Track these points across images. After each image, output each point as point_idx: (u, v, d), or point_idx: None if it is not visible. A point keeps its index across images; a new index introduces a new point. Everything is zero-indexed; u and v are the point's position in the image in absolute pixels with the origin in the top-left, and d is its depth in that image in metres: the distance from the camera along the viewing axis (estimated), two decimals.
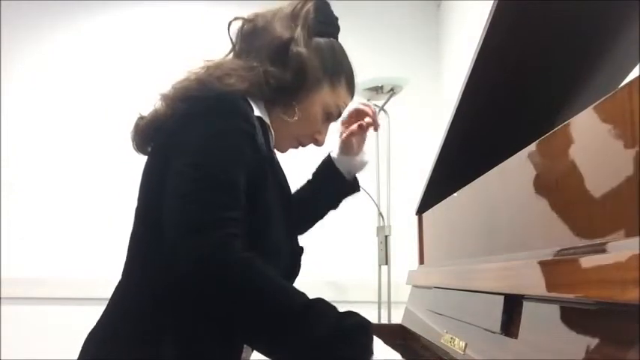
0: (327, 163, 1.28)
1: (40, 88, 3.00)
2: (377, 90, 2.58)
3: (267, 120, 0.98)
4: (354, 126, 1.22)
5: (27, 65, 3.02)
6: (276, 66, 0.95)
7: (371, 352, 0.75)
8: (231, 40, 1.02)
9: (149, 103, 0.98)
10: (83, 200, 2.87)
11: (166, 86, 0.95)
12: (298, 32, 0.97)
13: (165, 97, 0.94)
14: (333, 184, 1.27)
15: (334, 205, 1.27)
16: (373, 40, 2.96)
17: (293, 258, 1.04)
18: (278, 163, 1.09)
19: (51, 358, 2.40)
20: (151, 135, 0.96)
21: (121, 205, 2.86)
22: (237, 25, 1.01)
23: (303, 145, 1.09)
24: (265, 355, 0.81)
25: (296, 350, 0.76)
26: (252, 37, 0.99)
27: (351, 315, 0.78)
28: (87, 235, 2.82)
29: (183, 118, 0.89)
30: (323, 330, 0.75)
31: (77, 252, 2.80)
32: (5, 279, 2.76)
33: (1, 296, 2.75)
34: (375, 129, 1.25)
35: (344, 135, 1.25)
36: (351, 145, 1.25)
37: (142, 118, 0.98)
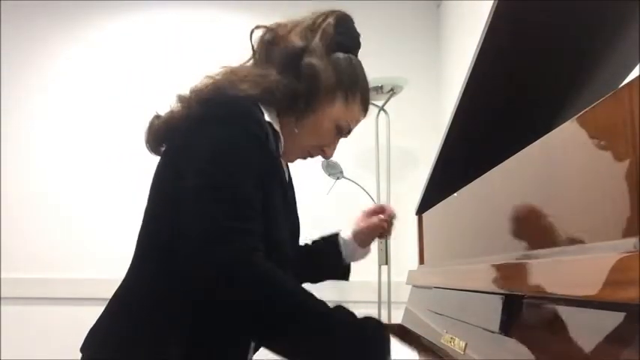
0: (333, 242, 1.30)
1: (41, 90, 3.00)
2: (377, 90, 2.58)
3: (277, 127, 0.98)
4: (376, 221, 1.26)
5: (30, 66, 3.02)
6: (289, 75, 0.96)
7: (389, 354, 0.77)
8: (252, 47, 1.03)
9: (157, 106, 0.99)
10: (83, 200, 2.87)
11: (179, 90, 0.96)
12: (315, 43, 0.98)
13: (181, 99, 0.95)
14: (329, 263, 1.29)
15: (314, 280, 1.26)
16: (373, 40, 2.94)
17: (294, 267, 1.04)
18: (289, 171, 1.10)
19: (51, 358, 2.41)
20: (165, 135, 0.97)
21: (122, 205, 2.87)
22: (258, 34, 1.02)
23: (312, 157, 1.10)
24: (287, 357, 0.82)
25: (319, 356, 0.77)
26: (271, 45, 1.00)
27: (369, 319, 0.80)
28: (87, 235, 2.82)
29: (197, 121, 0.90)
30: (346, 338, 0.77)
31: (77, 252, 2.80)
32: (5, 279, 2.76)
33: (1, 296, 2.75)
34: (382, 236, 1.24)
35: (363, 226, 1.26)
36: (365, 236, 1.29)
37: (157, 117, 0.99)
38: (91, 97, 2.96)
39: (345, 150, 3.21)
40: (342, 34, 1.03)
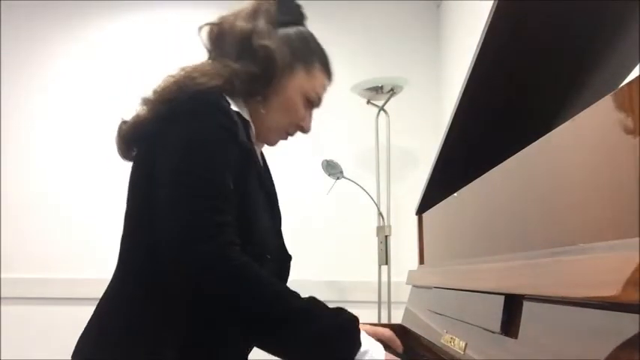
0: None
1: (41, 90, 3.00)
2: (377, 90, 2.59)
3: (246, 116, 0.98)
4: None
5: (30, 66, 3.02)
6: (244, 61, 0.97)
7: (358, 345, 0.81)
8: (205, 45, 1.04)
9: (124, 111, 0.99)
10: (83, 200, 2.87)
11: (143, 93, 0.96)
12: (261, 24, 0.99)
13: (146, 101, 0.95)
14: None
15: None
16: (373, 40, 2.96)
17: (281, 261, 1.05)
18: (264, 161, 1.10)
19: (51, 358, 2.41)
20: (134, 140, 0.98)
21: (122, 205, 2.87)
22: (206, 31, 1.03)
23: (291, 134, 1.10)
24: (265, 349, 0.85)
25: (296, 346, 0.81)
26: (221, 38, 1.01)
27: (342, 311, 0.85)
28: (87, 235, 2.82)
29: (164, 121, 0.90)
30: (320, 327, 0.81)
31: (77, 252, 2.80)
32: (5, 279, 2.76)
33: (1, 296, 2.75)
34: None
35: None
36: None
37: (124, 122, 0.99)
38: (91, 97, 2.96)
39: (345, 150, 3.23)
40: (285, 11, 1.04)
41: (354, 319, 0.84)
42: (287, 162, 2.49)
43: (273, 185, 1.10)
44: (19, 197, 2.87)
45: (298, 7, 1.08)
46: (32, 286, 2.77)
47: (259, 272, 0.83)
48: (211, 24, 1.03)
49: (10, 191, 2.88)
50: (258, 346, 0.86)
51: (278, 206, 1.10)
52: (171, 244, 0.81)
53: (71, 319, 2.54)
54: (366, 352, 0.81)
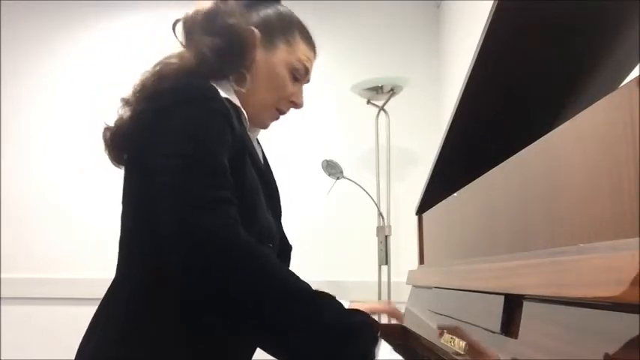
0: None
1: (41, 90, 3.00)
2: (377, 90, 2.59)
3: (236, 101, 0.96)
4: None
5: (30, 66, 3.02)
6: (210, 37, 0.95)
7: (372, 349, 0.75)
8: (181, 42, 1.01)
9: (107, 116, 0.97)
10: (83, 200, 2.87)
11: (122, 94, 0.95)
12: (227, 5, 0.98)
13: (127, 102, 0.94)
14: None
15: None
16: (373, 40, 2.96)
17: (282, 251, 1.04)
18: (262, 151, 1.09)
19: (51, 358, 2.41)
20: (122, 144, 0.95)
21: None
22: (180, 28, 1.02)
23: (283, 112, 1.08)
24: (269, 346, 0.79)
25: (301, 338, 0.74)
26: (190, 28, 1.00)
27: (356, 313, 0.78)
28: (87, 235, 2.82)
29: (154, 115, 0.88)
30: (329, 318, 0.74)
31: (77, 252, 2.80)
32: (5, 279, 2.76)
33: (1, 296, 2.75)
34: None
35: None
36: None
37: (108, 128, 0.97)
38: (91, 97, 2.96)
39: (345, 150, 3.23)
40: None
41: (370, 323, 0.77)
42: (287, 162, 2.50)
43: (271, 174, 1.09)
44: (19, 197, 2.87)
45: None
46: (32, 286, 2.77)
47: (265, 251, 0.79)
48: (184, 19, 1.01)
49: (10, 191, 2.88)
50: (257, 335, 0.79)
51: (278, 195, 1.08)
52: (169, 226, 0.77)
53: (71, 319, 2.56)
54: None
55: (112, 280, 0.96)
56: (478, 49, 0.97)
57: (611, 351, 0.47)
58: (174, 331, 0.86)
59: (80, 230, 2.83)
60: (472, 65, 1.00)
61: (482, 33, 0.94)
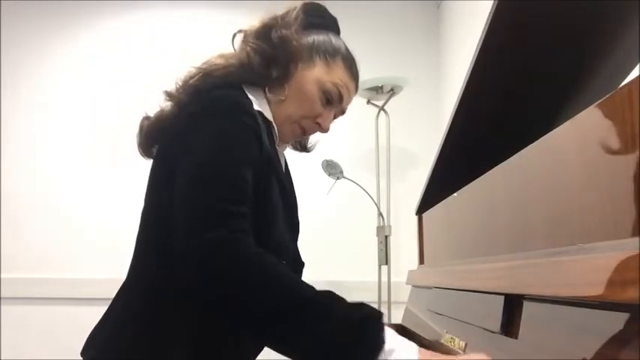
0: None
1: (41, 90, 3.00)
2: (377, 90, 2.59)
3: (268, 115, 0.98)
4: None
5: (30, 66, 3.02)
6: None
7: (381, 344, 0.72)
8: (233, 47, 1.04)
9: (156, 107, 0.99)
10: (83, 200, 2.87)
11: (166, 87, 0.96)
12: (286, 20, 1.00)
13: (170, 95, 0.96)
14: None
15: None
16: (373, 40, 2.95)
17: (294, 267, 1.04)
18: (287, 166, 1.09)
19: (51, 358, 2.41)
20: (156, 136, 0.97)
21: (122, 205, 2.87)
22: (239, 38, 1.04)
23: (307, 132, 1.07)
24: (276, 349, 0.79)
25: (308, 342, 0.75)
26: (246, 37, 1.02)
27: (362, 307, 0.77)
28: (87, 235, 2.82)
29: (188, 118, 0.90)
30: (338, 320, 0.74)
31: (77, 252, 2.80)
32: (5, 279, 2.76)
33: (1, 296, 2.75)
34: None
35: None
36: None
37: (147, 118, 0.99)
38: (91, 97, 2.96)
39: (345, 150, 3.22)
40: (315, 16, 1.05)
41: (376, 316, 0.76)
42: (287, 162, 2.49)
43: (293, 192, 1.09)
44: (19, 197, 2.87)
45: (332, 17, 1.10)
46: (32, 286, 2.77)
47: (274, 260, 0.79)
48: (244, 29, 1.04)
49: (10, 191, 2.88)
50: (268, 343, 0.80)
51: (297, 213, 1.09)
52: (180, 235, 0.79)
53: (71, 319, 2.56)
54: (392, 352, 0.72)
55: (124, 281, 0.95)
56: (478, 49, 0.97)
57: (610, 351, 0.47)
58: (184, 333, 0.86)
59: (80, 230, 2.83)
60: (472, 65, 1.00)
61: (483, 33, 0.94)
